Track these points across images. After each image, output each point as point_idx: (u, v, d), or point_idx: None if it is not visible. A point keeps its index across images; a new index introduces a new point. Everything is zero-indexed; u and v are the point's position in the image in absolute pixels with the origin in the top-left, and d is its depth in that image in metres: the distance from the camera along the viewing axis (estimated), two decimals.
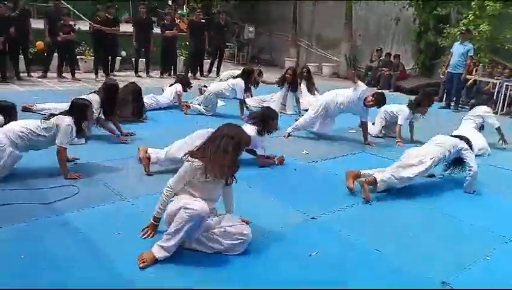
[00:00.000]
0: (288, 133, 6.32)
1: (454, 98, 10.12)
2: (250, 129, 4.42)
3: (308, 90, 8.67)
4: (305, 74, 8.74)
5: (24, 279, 2.57)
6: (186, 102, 7.67)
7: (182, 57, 12.47)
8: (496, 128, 6.50)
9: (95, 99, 5.21)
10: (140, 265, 2.75)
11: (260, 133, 4.70)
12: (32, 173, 4.19)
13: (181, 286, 2.63)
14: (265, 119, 4.73)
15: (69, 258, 2.82)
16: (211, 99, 7.33)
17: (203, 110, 7.39)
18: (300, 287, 2.71)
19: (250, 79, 7.64)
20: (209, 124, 4.76)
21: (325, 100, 6.21)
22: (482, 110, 6.61)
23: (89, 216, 3.44)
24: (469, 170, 4.50)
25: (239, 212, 3.29)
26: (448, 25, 11.43)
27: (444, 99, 10.45)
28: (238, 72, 8.10)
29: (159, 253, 2.82)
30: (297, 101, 8.02)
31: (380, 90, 6.60)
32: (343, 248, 3.25)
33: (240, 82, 7.25)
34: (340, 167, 5.08)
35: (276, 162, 5.01)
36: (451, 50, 10.02)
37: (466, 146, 4.57)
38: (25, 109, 6.23)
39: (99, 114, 5.36)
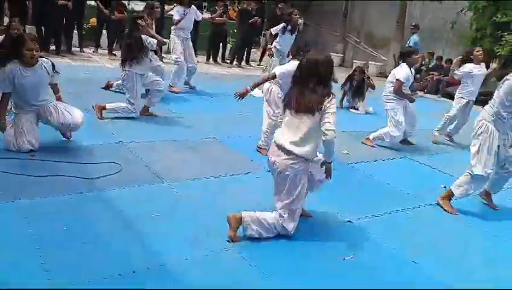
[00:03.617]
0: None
1: None
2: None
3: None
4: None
5: (66, 251, 2.67)
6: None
7: (229, 44, 12.50)
8: None
9: None
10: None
11: None
12: (77, 149, 4.36)
13: (199, 278, 2.65)
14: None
15: (108, 234, 2.91)
16: None
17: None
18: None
19: None
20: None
21: None
22: None
23: (129, 195, 3.53)
24: None
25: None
26: (507, 33, 10.90)
27: None
28: None
29: None
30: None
31: None
32: (377, 255, 3.18)
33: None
34: (380, 171, 5.00)
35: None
36: None
37: None
38: (106, 88, 6.81)
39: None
